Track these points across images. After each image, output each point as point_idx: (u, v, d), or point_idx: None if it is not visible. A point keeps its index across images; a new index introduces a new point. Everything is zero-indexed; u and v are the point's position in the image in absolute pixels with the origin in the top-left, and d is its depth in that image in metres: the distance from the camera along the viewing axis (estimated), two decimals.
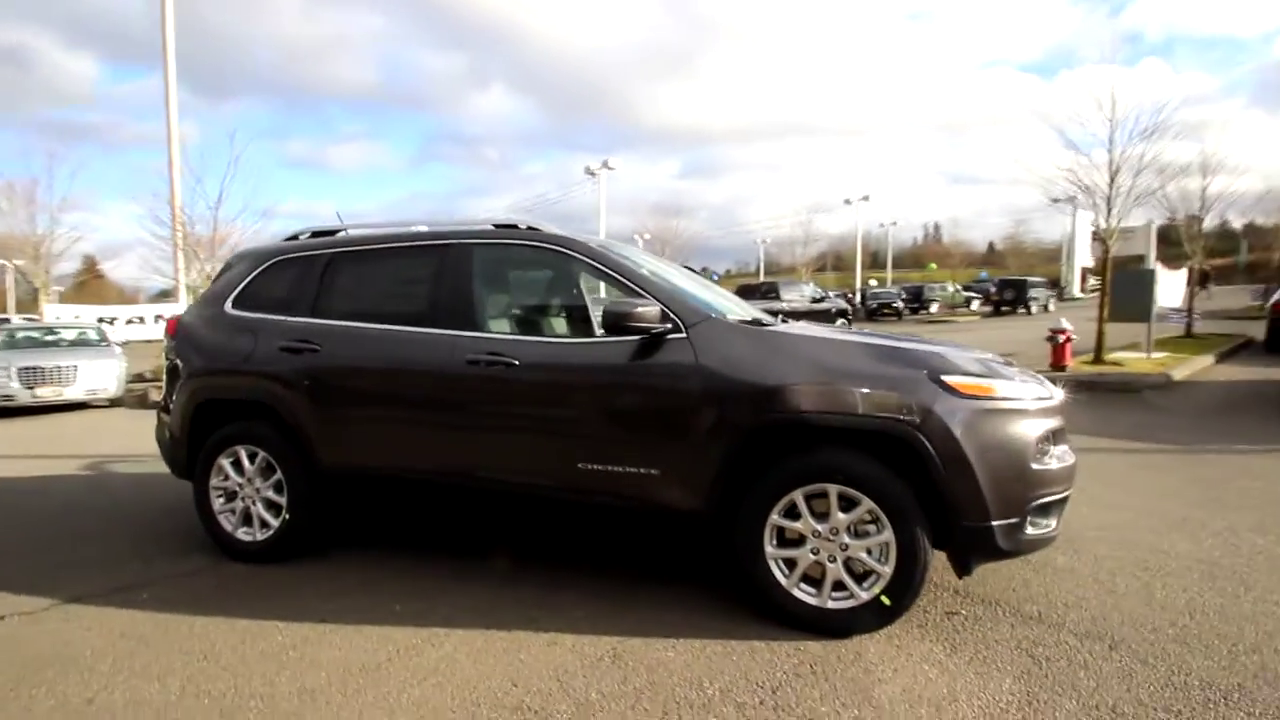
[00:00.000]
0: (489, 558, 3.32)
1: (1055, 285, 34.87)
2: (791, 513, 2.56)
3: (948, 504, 2.41)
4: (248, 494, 3.35)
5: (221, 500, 3.41)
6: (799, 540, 2.57)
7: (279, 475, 3.27)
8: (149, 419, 4.50)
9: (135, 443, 6.54)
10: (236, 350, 3.37)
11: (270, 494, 3.31)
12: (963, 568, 2.55)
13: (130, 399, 10.33)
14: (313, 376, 3.18)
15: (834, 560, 2.52)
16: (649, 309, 2.64)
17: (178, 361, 3.57)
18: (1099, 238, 10.48)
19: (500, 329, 3.06)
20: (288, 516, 3.25)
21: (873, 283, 41.74)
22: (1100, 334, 9.96)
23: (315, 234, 3.61)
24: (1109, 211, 9.73)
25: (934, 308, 31.83)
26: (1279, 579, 2.95)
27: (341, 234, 3.53)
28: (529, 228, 3.17)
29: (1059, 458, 2.57)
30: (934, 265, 58.73)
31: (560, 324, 3.25)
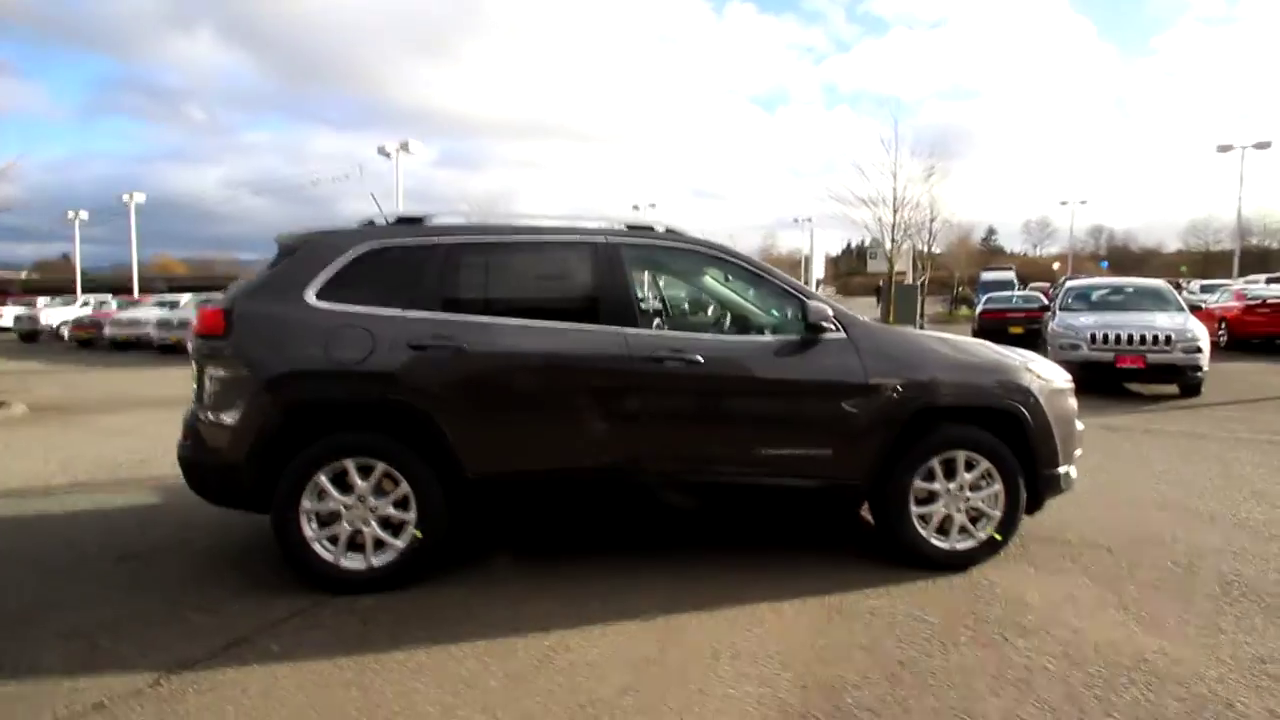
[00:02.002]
0: (632, 549, 3.40)
1: None
2: (928, 476, 3.20)
3: (1036, 458, 3.25)
4: (356, 515, 2.93)
5: (315, 526, 2.92)
6: (932, 498, 3.21)
7: (404, 489, 2.93)
8: None
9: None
10: (347, 348, 2.91)
11: (390, 511, 2.95)
12: (1036, 505, 3.42)
13: None
14: (461, 376, 2.93)
15: (959, 511, 3.22)
16: (830, 311, 3.05)
17: (241, 365, 2.92)
18: (866, 254, 13.27)
19: (666, 326, 3.16)
20: (419, 534, 2.93)
21: None
22: None
23: (401, 220, 3.24)
24: (897, 237, 12.32)
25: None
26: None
27: (443, 222, 3.22)
28: (668, 230, 3.31)
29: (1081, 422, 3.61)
30: None
31: (720, 321, 3.44)
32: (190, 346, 3.22)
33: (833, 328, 3.15)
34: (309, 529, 2.91)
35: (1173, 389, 8.33)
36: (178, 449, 3.17)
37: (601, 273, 3.12)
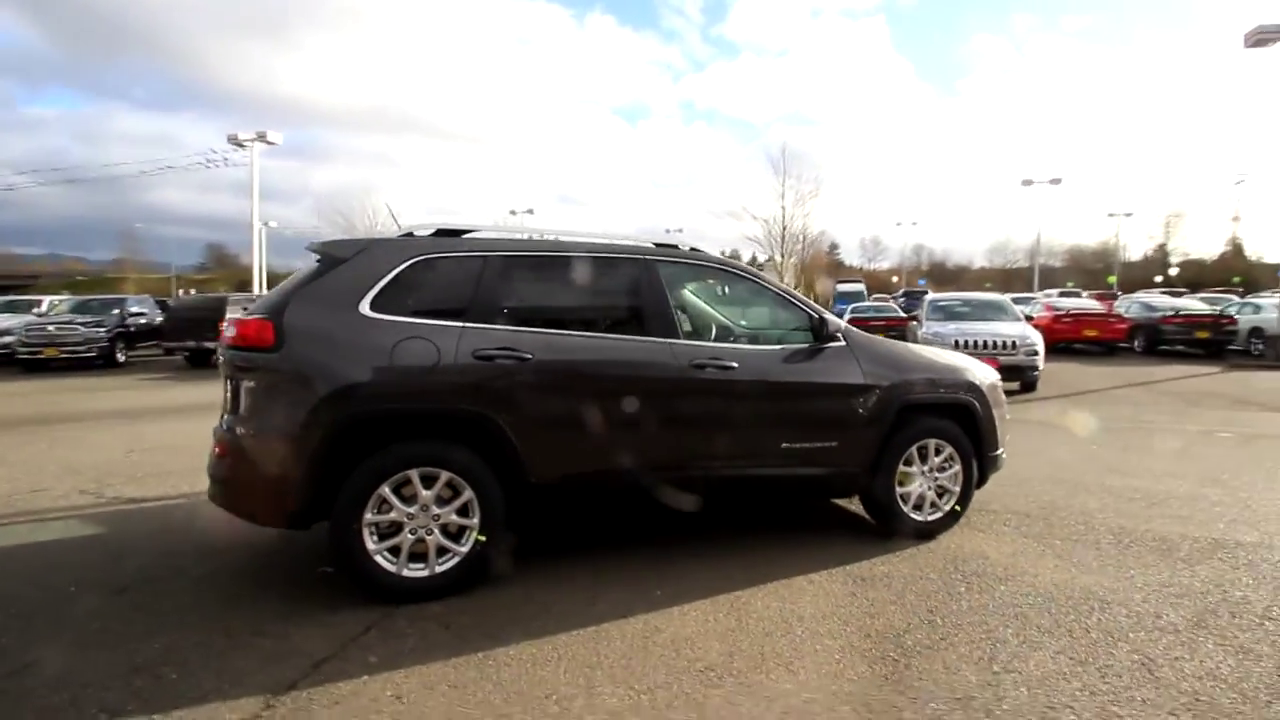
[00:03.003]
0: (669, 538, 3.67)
1: None
2: (907, 461, 3.82)
3: (983, 443, 3.99)
4: (420, 524, 2.97)
5: (376, 538, 2.92)
6: (911, 478, 3.84)
7: (468, 495, 3.01)
8: None
9: None
10: (413, 359, 2.93)
11: (454, 518, 3.01)
12: (983, 481, 4.16)
13: None
14: (527, 386, 3.06)
15: (930, 489, 3.87)
16: (842, 325, 3.56)
17: (296, 377, 2.84)
18: (755, 267, 14.38)
19: (702, 337, 3.50)
20: (483, 539, 3.03)
21: None
22: None
23: (442, 232, 3.30)
24: (784, 251, 13.46)
25: None
26: None
27: (485, 235, 3.33)
28: (691, 249, 3.67)
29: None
30: None
31: (744, 330, 3.80)
32: (223, 358, 3.06)
33: (840, 338, 3.68)
34: (370, 541, 2.91)
35: (1013, 385, 10.01)
36: (211, 467, 2.99)
37: (643, 288, 3.40)
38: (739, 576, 3.28)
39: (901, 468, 3.80)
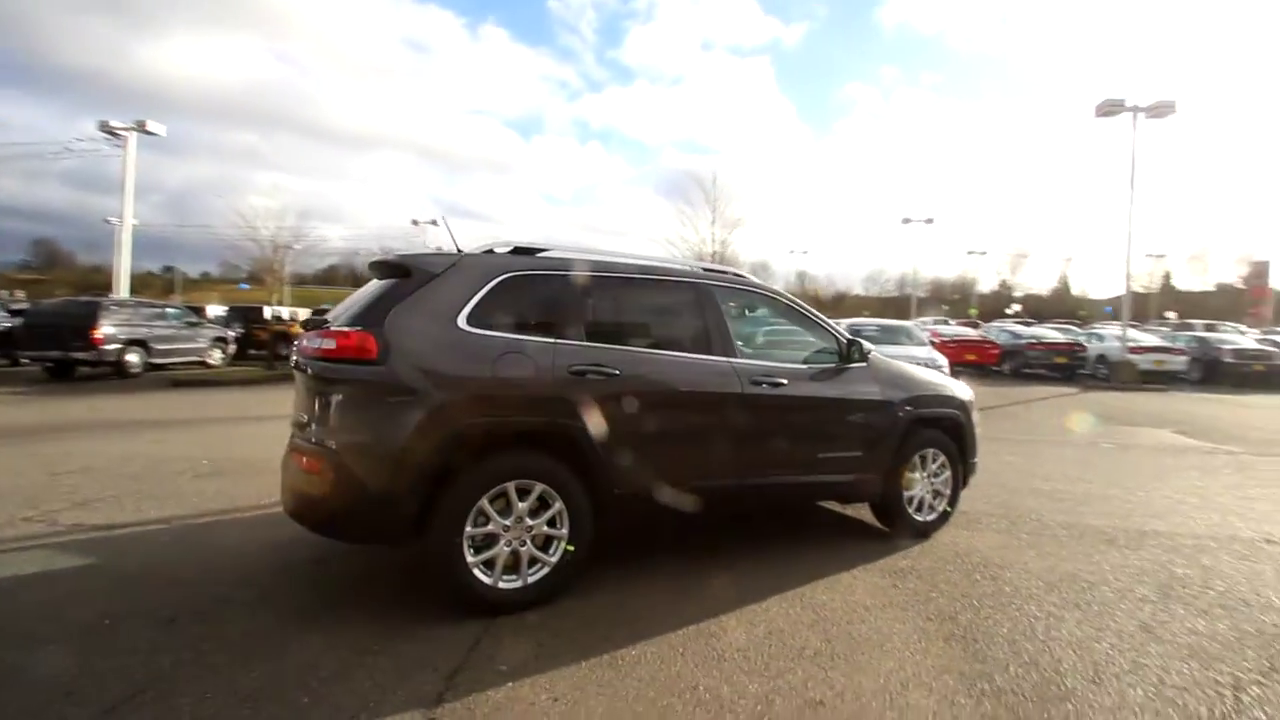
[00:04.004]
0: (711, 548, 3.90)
1: None
2: (911, 468, 4.33)
3: (966, 451, 4.60)
4: (514, 535, 3.02)
5: (473, 551, 2.94)
6: (914, 483, 4.35)
7: (558, 507, 3.11)
8: None
9: None
10: (513, 373, 3.00)
11: (544, 529, 3.10)
12: (965, 485, 4.75)
13: None
14: (615, 401, 3.20)
15: (930, 493, 4.41)
16: (867, 344, 4.01)
17: (402, 390, 2.82)
18: None
19: (754, 357, 3.79)
20: (571, 548, 3.13)
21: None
22: None
23: (518, 250, 3.40)
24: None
25: None
26: None
27: (561, 255, 3.45)
28: (735, 274, 3.99)
29: None
30: None
31: (785, 351, 4.11)
32: (312, 370, 2.96)
33: (864, 360, 4.13)
34: (469, 554, 2.93)
35: None
36: (298, 482, 2.88)
37: (706, 309, 3.67)
38: (792, 576, 3.59)
39: (908, 474, 4.30)
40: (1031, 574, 3.75)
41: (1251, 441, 8.94)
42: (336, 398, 2.89)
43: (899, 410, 4.20)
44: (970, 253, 54.13)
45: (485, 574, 2.98)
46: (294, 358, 3.41)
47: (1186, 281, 58.83)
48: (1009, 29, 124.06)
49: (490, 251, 3.38)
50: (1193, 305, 44.79)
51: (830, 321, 4.28)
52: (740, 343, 3.85)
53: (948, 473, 4.48)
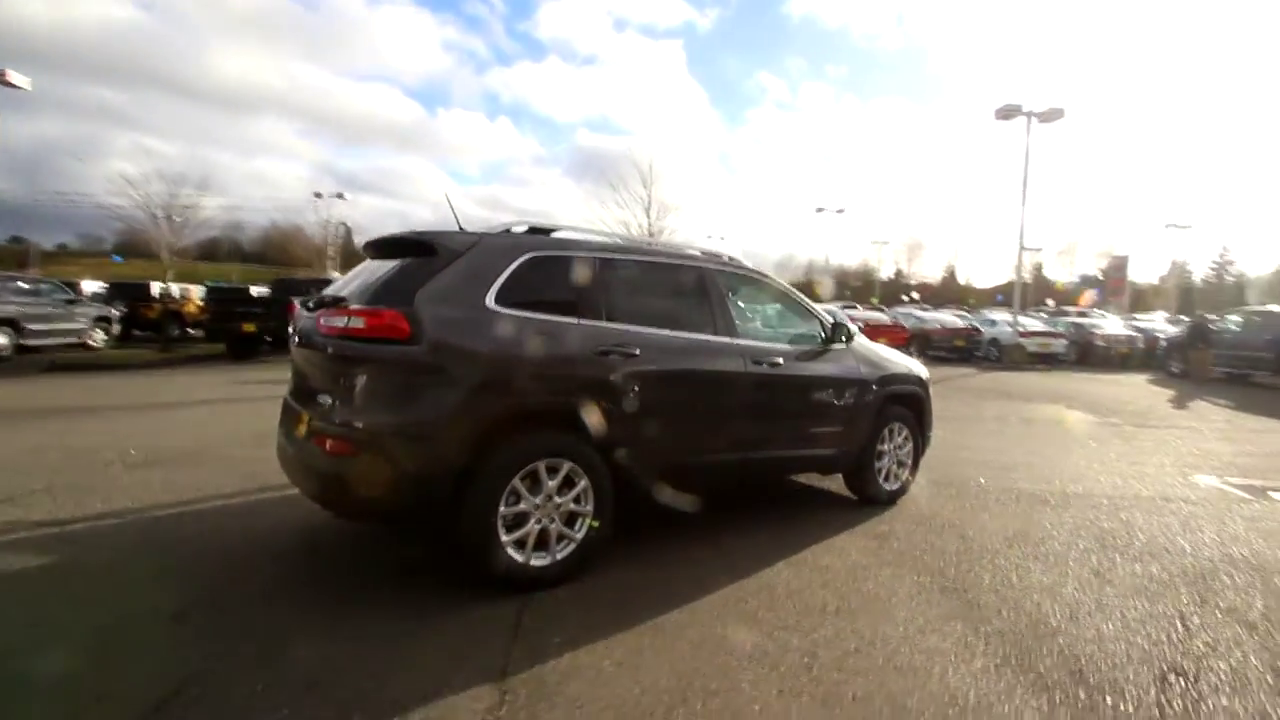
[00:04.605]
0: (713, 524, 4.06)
1: None
2: (881, 441, 4.69)
3: (924, 425, 5.03)
4: (544, 514, 3.06)
5: (505, 530, 2.95)
6: (883, 454, 4.72)
7: (584, 484, 3.16)
8: None
9: None
10: (543, 352, 3.01)
11: (572, 506, 3.14)
12: (922, 454, 5.18)
13: None
14: (638, 380, 3.27)
15: (895, 464, 4.80)
16: (852, 326, 4.29)
17: (436, 370, 2.76)
18: None
19: (752, 338, 3.96)
20: (595, 524, 3.20)
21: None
22: None
23: (534, 230, 3.39)
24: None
25: None
26: None
27: (574, 236, 3.47)
28: (730, 259, 4.14)
29: None
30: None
31: (776, 332, 4.29)
32: (334, 349, 2.83)
33: (849, 341, 4.41)
34: (503, 533, 2.94)
35: None
36: (326, 465, 2.76)
37: (709, 291, 3.80)
38: (790, 541, 3.83)
39: (878, 447, 4.65)
40: (989, 532, 4.20)
41: (1129, 414, 10.20)
42: (365, 378, 2.80)
43: (877, 387, 4.54)
44: (875, 242, 57.61)
45: (518, 552, 3.00)
46: (297, 336, 3.25)
47: (1055, 273, 65.23)
48: (904, 29, 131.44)
49: (508, 231, 3.35)
50: (1062, 295, 49.98)
51: (817, 305, 4.54)
52: (739, 324, 4.02)
53: (910, 445, 4.88)
